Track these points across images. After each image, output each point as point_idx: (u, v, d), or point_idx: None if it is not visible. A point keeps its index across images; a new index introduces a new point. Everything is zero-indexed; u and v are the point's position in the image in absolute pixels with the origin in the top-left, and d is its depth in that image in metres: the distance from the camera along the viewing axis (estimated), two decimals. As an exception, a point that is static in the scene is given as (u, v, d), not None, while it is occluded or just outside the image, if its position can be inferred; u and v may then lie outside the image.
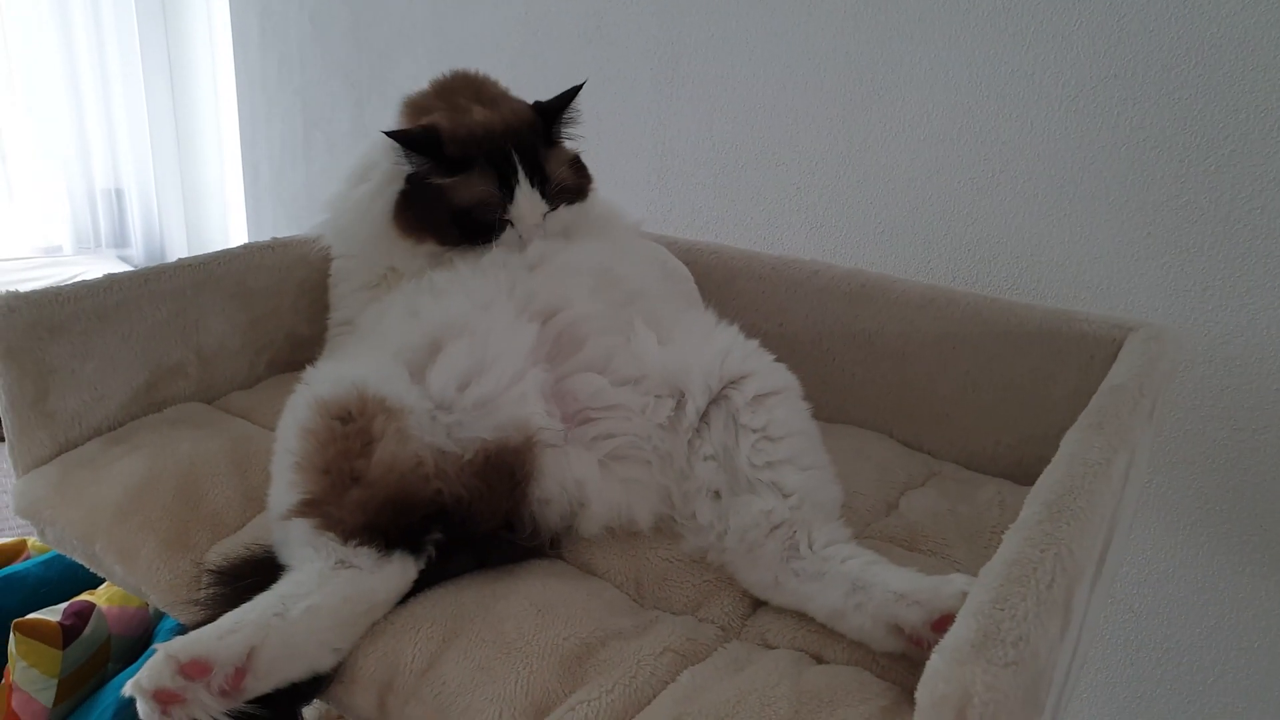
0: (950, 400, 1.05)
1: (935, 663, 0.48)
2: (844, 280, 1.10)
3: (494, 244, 0.96)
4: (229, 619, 0.64)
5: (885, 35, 1.24)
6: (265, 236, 2.67)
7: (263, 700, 0.64)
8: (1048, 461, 0.71)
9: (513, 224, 0.95)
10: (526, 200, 0.95)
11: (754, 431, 0.81)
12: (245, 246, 1.10)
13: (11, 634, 1.47)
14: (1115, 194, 1.09)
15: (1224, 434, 1.08)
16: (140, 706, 0.58)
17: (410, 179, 0.95)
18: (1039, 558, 0.55)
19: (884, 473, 1.00)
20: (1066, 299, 1.15)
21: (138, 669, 1.12)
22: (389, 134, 0.93)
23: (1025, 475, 0.99)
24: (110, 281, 0.95)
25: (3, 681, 1.52)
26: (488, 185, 0.94)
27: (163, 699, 0.58)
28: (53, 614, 1.51)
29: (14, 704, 1.50)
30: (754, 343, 0.90)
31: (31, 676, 1.48)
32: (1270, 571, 1.08)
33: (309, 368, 0.86)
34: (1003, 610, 0.50)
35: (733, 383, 0.84)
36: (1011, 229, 1.18)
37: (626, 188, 1.60)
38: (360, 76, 2.08)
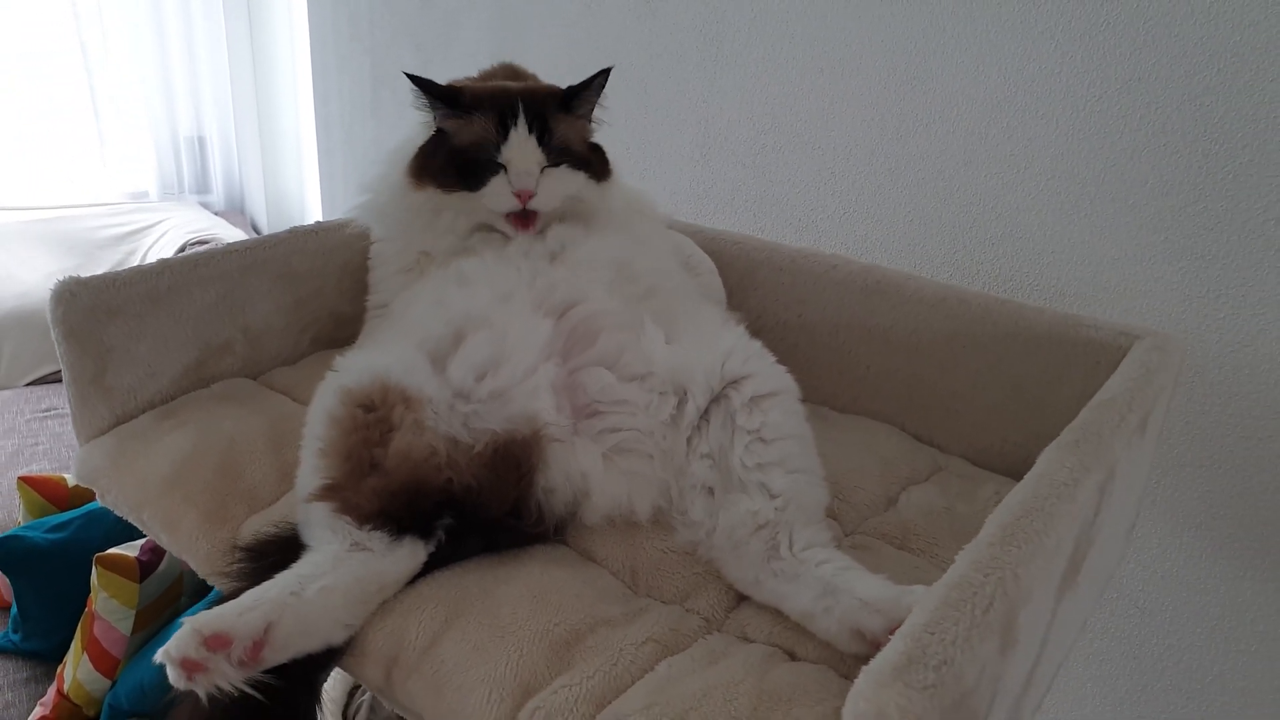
0: (959, 397, 1.07)
1: (859, 682, 0.52)
2: (861, 275, 1.12)
3: (484, 191, 0.97)
4: (249, 596, 0.70)
5: (920, 26, 1.24)
6: (336, 188, 2.76)
7: (281, 670, 0.71)
8: None
9: (505, 169, 0.97)
10: (520, 143, 0.96)
11: (748, 433, 0.84)
12: (290, 231, 1.16)
13: (94, 566, 1.58)
14: (1134, 197, 1.09)
15: (1232, 440, 1.08)
16: (169, 672, 0.65)
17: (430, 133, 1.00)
18: (980, 582, 0.58)
19: (888, 467, 1.03)
20: (1084, 299, 1.15)
21: (209, 603, 1.20)
22: (410, 76, 0.97)
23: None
24: (163, 267, 1.02)
25: (86, 611, 1.64)
26: (486, 126, 0.97)
27: (188, 667, 0.65)
28: (131, 549, 1.63)
29: (96, 631, 1.61)
30: (757, 344, 0.92)
31: (111, 607, 1.60)
32: (1271, 576, 1.09)
33: (339, 357, 0.92)
34: (932, 634, 0.53)
35: (733, 383, 0.87)
36: (1034, 226, 1.18)
37: (671, 163, 1.63)
38: (425, 38, 2.12)
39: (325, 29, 2.48)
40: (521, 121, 0.96)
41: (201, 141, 3.49)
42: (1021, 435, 1.03)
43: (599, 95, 1.03)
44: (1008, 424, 1.04)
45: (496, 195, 0.98)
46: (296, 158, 3.19)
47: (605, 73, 1.02)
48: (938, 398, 1.08)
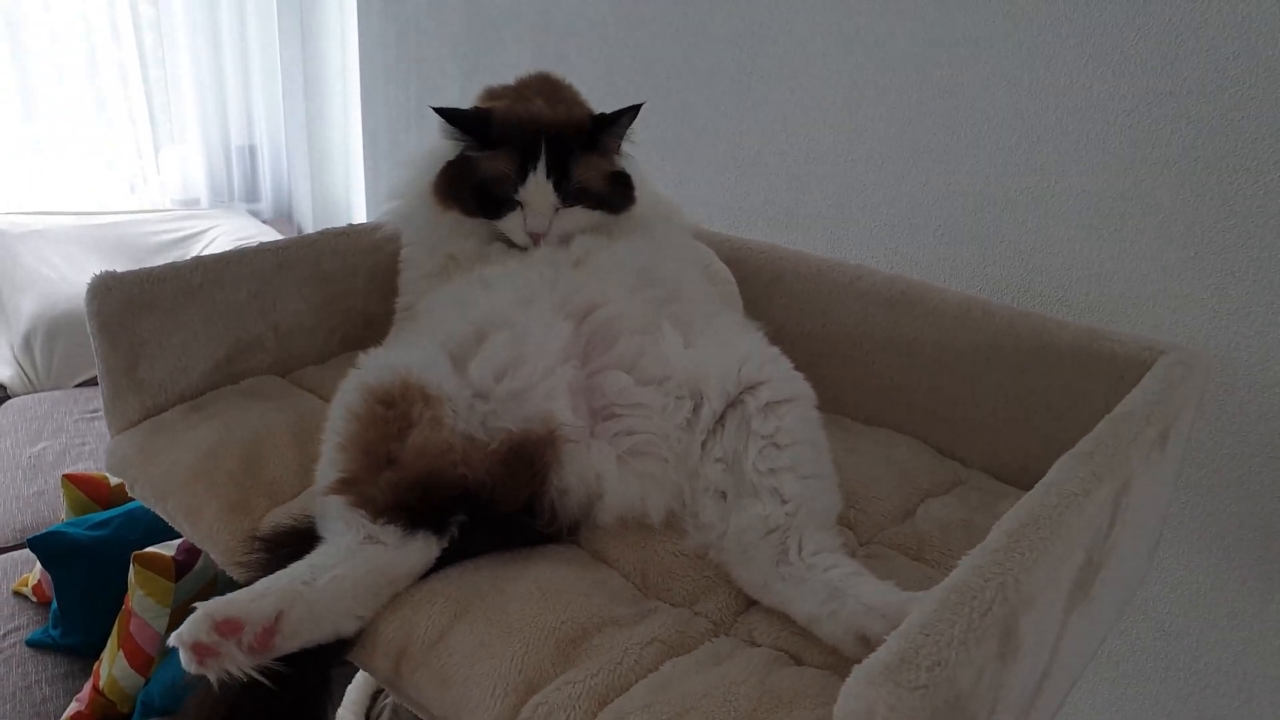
0: (983, 409, 1.06)
1: (850, 680, 0.52)
2: (885, 286, 1.11)
3: (501, 222, 1.00)
4: (262, 584, 0.72)
5: (951, 42, 1.24)
6: (381, 197, 2.79)
7: (292, 659, 0.72)
8: None
9: (522, 206, 0.99)
10: (536, 188, 0.98)
11: (762, 438, 0.84)
12: (321, 232, 1.19)
13: (131, 565, 1.60)
14: (1164, 212, 1.07)
15: (1262, 460, 1.06)
16: (181, 656, 0.67)
17: (460, 154, 1.02)
18: (981, 586, 0.57)
19: (908, 479, 1.02)
20: (1112, 313, 1.13)
21: None
22: (438, 110, 0.99)
23: (1053, 489, 0.99)
24: (196, 264, 1.05)
25: (124, 608, 1.66)
26: (507, 164, 0.99)
27: (200, 651, 0.67)
28: (168, 549, 1.63)
29: (132, 628, 1.62)
30: (774, 350, 0.92)
31: (147, 605, 1.61)
32: (1300, 601, 1.07)
33: (361, 354, 0.94)
34: (927, 635, 0.53)
35: (749, 389, 0.87)
36: (1064, 240, 1.17)
37: (705, 176, 1.64)
38: (470, 50, 2.16)
39: (374, 41, 2.54)
40: (541, 165, 0.98)
41: (252, 150, 3.57)
42: (1044, 450, 1.01)
43: (627, 129, 1.04)
44: (1031, 438, 1.03)
45: (512, 228, 1.01)
46: (344, 167, 3.25)
47: (635, 109, 1.02)
48: (960, 410, 1.07)
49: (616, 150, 1.05)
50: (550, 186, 0.99)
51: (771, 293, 1.19)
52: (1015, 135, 1.19)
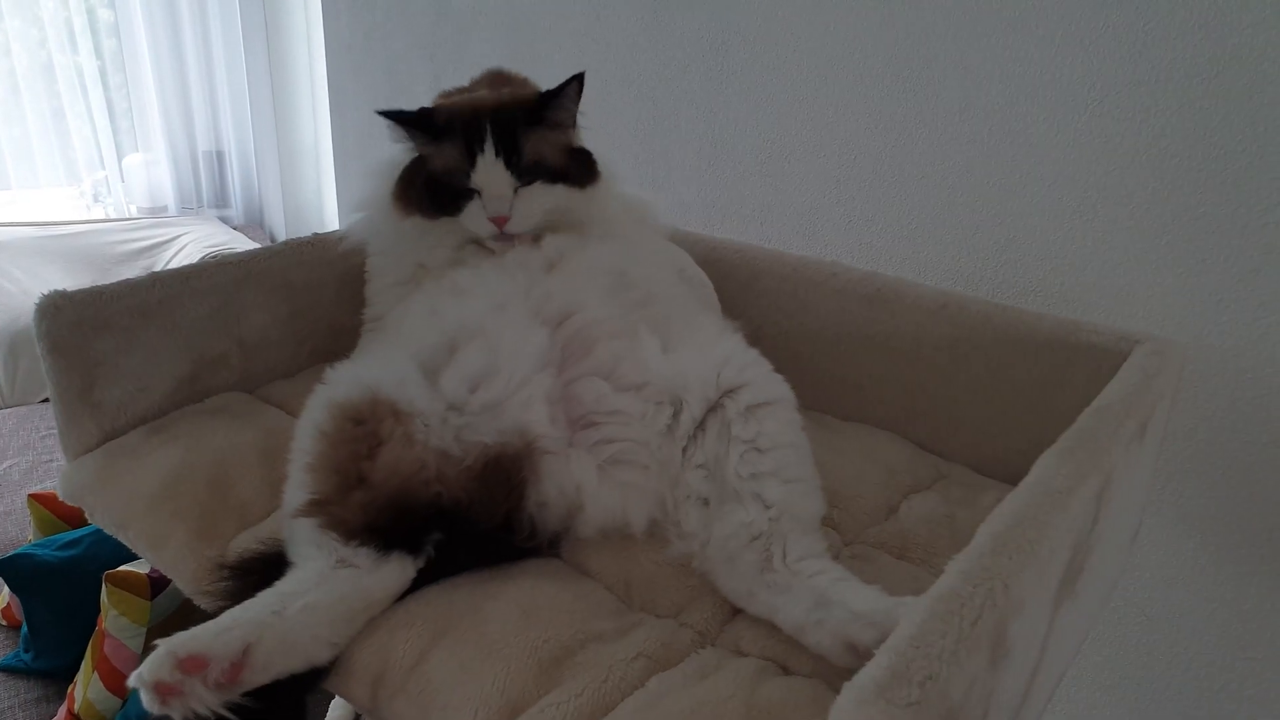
0: (961, 404, 1.05)
1: (841, 699, 0.50)
2: (861, 283, 1.10)
3: (461, 215, 0.96)
4: (228, 616, 0.69)
5: (922, 34, 1.23)
6: (353, 200, 2.75)
7: (265, 689, 0.69)
8: None
9: (479, 194, 0.96)
10: (488, 169, 0.94)
11: (744, 442, 0.82)
12: (287, 243, 1.16)
13: (104, 584, 1.58)
14: (1135, 202, 1.07)
15: (1236, 446, 1.06)
16: (142, 696, 0.64)
17: (415, 157, 0.99)
18: (969, 593, 0.56)
19: (890, 475, 1.01)
20: (1086, 305, 1.13)
21: None
22: (381, 113, 0.96)
23: (1034, 481, 0.99)
24: (153, 280, 1.01)
25: (97, 629, 1.63)
26: (454, 152, 0.95)
27: (162, 691, 0.64)
28: (142, 566, 1.61)
29: (106, 649, 1.60)
30: (754, 352, 0.91)
31: (122, 625, 1.59)
32: (1276, 584, 1.07)
33: (329, 369, 0.91)
34: (918, 648, 0.52)
35: (729, 392, 0.86)
36: (1036, 232, 1.16)
37: (678, 173, 1.62)
38: (438, 49, 2.13)
39: (341, 42, 2.49)
40: (489, 145, 0.94)
41: (220, 155, 3.51)
42: (1024, 442, 1.01)
43: (576, 101, 1.00)
44: (1010, 431, 1.02)
45: (474, 220, 0.97)
46: (315, 170, 3.20)
47: (579, 78, 0.99)
48: (939, 405, 1.07)
49: (571, 125, 1.02)
50: (501, 165, 0.94)
51: (748, 293, 1.17)
52: (986, 128, 1.19)
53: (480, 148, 0.94)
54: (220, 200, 3.57)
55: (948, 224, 1.26)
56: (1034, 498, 0.66)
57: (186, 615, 1.65)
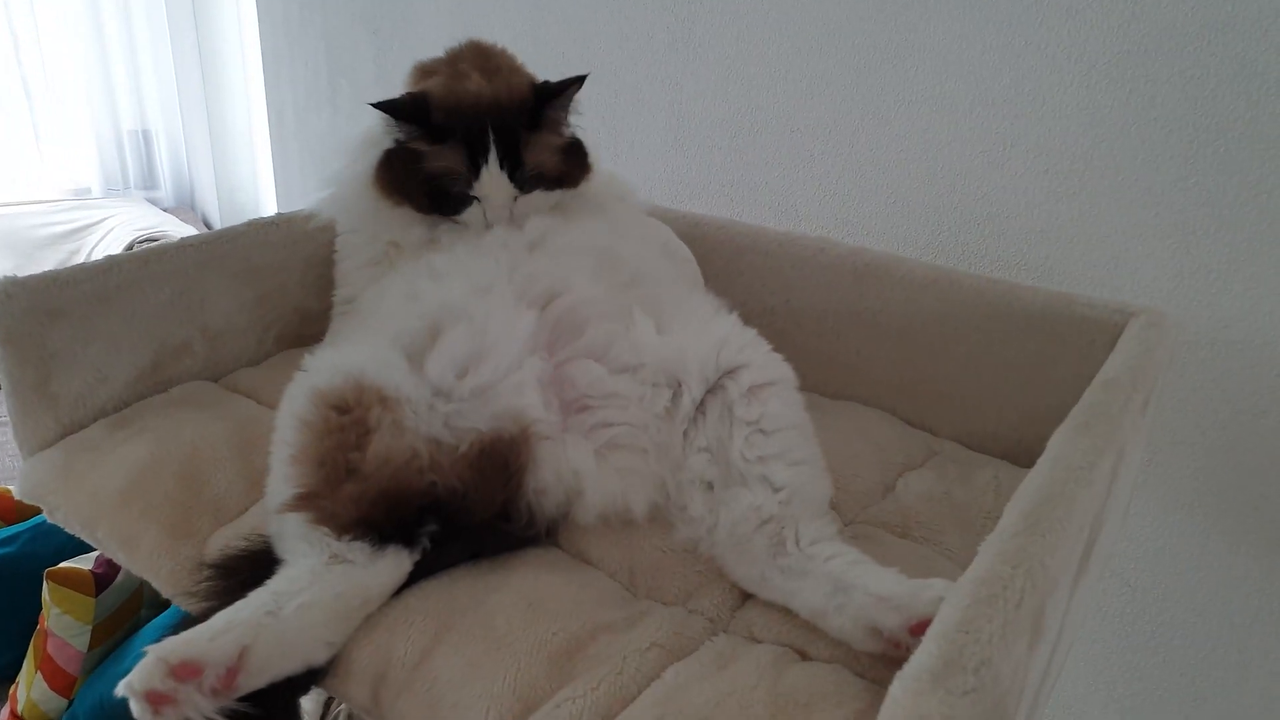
0: (952, 380, 1.04)
1: (896, 690, 0.48)
2: (848, 258, 1.09)
3: (460, 217, 0.97)
4: (221, 618, 0.65)
5: (900, 1, 1.21)
6: (293, 180, 2.67)
7: (258, 695, 0.66)
8: (1047, 443, 0.71)
9: (479, 200, 0.96)
10: (491, 181, 0.95)
11: (748, 424, 0.81)
12: (249, 224, 1.10)
13: (45, 582, 1.52)
14: (1124, 173, 1.07)
15: (1224, 416, 1.07)
16: (133, 706, 0.60)
17: (398, 140, 0.97)
18: (1010, 575, 0.55)
19: (883, 453, 1.00)
20: (1073, 277, 1.13)
21: (174, 614, 1.15)
22: (376, 105, 0.94)
23: (1025, 456, 0.99)
24: (110, 264, 0.96)
25: (39, 628, 1.57)
26: (457, 159, 0.95)
27: (154, 700, 0.60)
28: (84, 562, 1.57)
29: (50, 649, 1.56)
30: (751, 332, 0.89)
31: (66, 623, 1.54)
32: (1263, 552, 1.09)
33: (307, 356, 0.87)
34: (967, 634, 0.50)
35: (729, 373, 0.84)
36: (1021, 205, 1.16)
37: (642, 149, 1.59)
38: (382, 22, 2.05)
39: (275, 13, 2.40)
40: (493, 156, 0.94)
41: (146, 135, 3.38)
42: (1016, 417, 1.01)
43: (571, 100, 1.00)
44: (1001, 406, 1.02)
45: (471, 221, 0.98)
46: (249, 150, 3.09)
47: (580, 80, 0.99)
48: (930, 381, 1.06)
49: (564, 121, 1.01)
50: (505, 177, 0.96)
51: (731, 269, 1.15)
52: (969, 98, 1.17)
53: (484, 158, 0.94)
54: (149, 182, 3.46)
55: (927, 199, 1.25)
56: (1058, 474, 0.65)
57: (133, 610, 1.60)
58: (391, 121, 0.95)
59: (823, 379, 1.12)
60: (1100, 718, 1.27)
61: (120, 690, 0.60)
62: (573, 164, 1.01)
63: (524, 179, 0.96)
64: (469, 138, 0.94)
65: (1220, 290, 1.04)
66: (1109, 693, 1.25)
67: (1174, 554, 1.15)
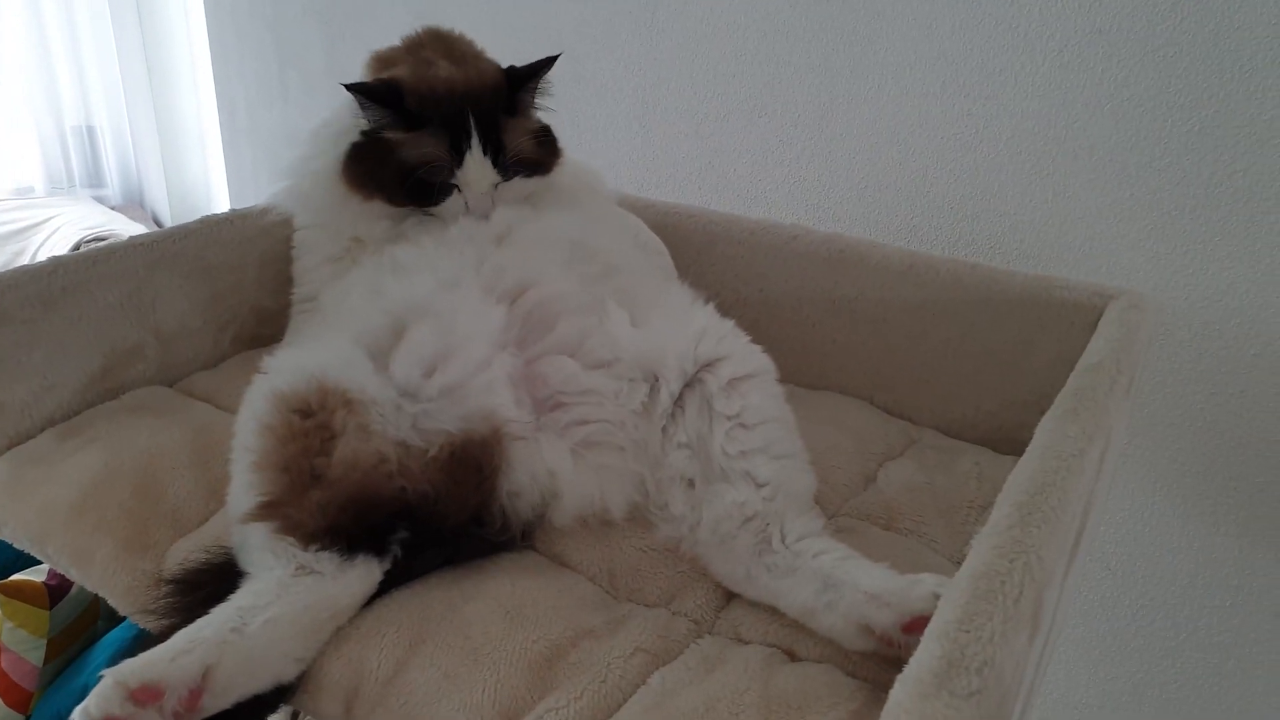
0: (930, 367, 1.03)
1: (898, 694, 0.46)
2: (823, 245, 1.07)
3: (438, 208, 0.93)
4: (182, 637, 0.62)
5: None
6: (245, 176, 2.59)
7: (224, 713, 0.63)
8: (1027, 429, 0.70)
9: (460, 189, 0.92)
10: (476, 167, 0.91)
11: (728, 418, 0.79)
12: (201, 221, 1.06)
13: (-5, 596, 1.47)
14: (1098, 154, 1.06)
15: (1201, 397, 1.07)
16: (90, 734, 0.57)
17: (365, 132, 0.92)
18: (1008, 569, 0.53)
19: (862, 443, 0.98)
20: (1048, 260, 1.12)
21: (129, 626, 1.11)
22: (348, 87, 0.90)
23: (1005, 442, 0.98)
24: (55, 265, 0.91)
25: (-9, 643, 1.53)
26: (439, 147, 0.91)
27: (114, 726, 0.57)
28: (37, 574, 1.52)
29: (3, 664, 1.50)
30: (729, 323, 0.87)
31: (20, 637, 1.49)
32: (1241, 531, 1.09)
33: (267, 357, 0.83)
34: (968, 632, 0.48)
35: (707, 366, 0.82)
36: (994, 187, 1.15)
37: (607, 136, 1.56)
38: (334, 13, 2.00)
39: (223, 5, 2.33)
40: (475, 143, 0.91)
41: (91, 130, 3.28)
42: (995, 403, 1.00)
43: (540, 83, 0.98)
44: (981, 392, 1.01)
45: (450, 212, 0.94)
46: (199, 145, 3.01)
47: (551, 61, 0.96)
48: (907, 369, 1.05)
49: (534, 105, 0.99)
50: (489, 163, 0.92)
51: (704, 259, 1.13)
52: (939, 80, 1.16)
53: (467, 144, 0.91)
54: (95, 179, 3.35)
55: (899, 183, 1.24)
56: (1048, 463, 0.64)
57: (90, 622, 1.55)
58: (361, 108, 0.91)
59: (799, 369, 1.10)
60: (1082, 700, 1.27)
61: (76, 716, 0.57)
62: (545, 150, 0.98)
63: (505, 165, 0.93)
64: (449, 125, 0.90)
65: (1196, 270, 1.03)
66: (1090, 674, 1.26)
67: (1153, 536, 1.15)
